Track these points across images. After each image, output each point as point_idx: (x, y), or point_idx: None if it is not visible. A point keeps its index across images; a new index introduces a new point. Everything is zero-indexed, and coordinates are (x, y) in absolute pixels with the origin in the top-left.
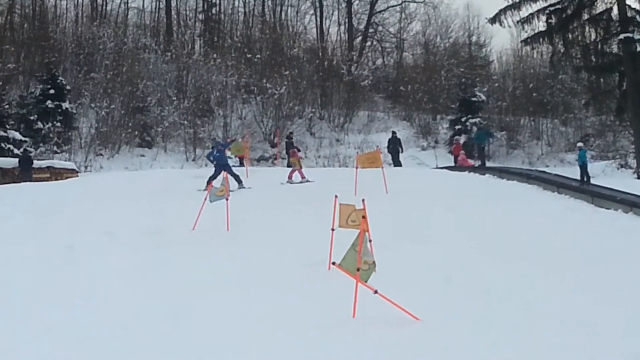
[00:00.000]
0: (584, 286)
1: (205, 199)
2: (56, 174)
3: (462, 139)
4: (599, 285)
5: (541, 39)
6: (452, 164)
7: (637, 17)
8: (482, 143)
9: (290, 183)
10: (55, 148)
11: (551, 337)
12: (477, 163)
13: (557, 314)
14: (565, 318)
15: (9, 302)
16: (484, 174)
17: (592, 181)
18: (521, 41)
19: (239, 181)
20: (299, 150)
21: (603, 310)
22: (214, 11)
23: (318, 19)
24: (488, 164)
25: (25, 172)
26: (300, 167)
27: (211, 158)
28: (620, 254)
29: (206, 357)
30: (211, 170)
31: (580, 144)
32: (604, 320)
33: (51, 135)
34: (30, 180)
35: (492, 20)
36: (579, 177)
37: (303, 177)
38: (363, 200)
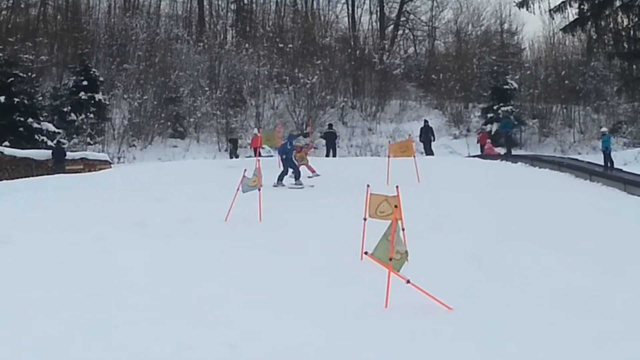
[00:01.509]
0: (617, 274)
1: (238, 189)
2: (89, 165)
3: (494, 127)
4: (630, 273)
5: (577, 26)
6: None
7: None
8: (508, 131)
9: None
10: (88, 139)
11: (583, 325)
12: (503, 151)
13: (589, 302)
14: (597, 306)
15: (44, 292)
16: (515, 162)
17: (625, 168)
18: (560, 29)
19: (298, 176)
20: (336, 138)
21: (634, 299)
22: (246, 1)
23: (350, 8)
24: (520, 152)
25: (58, 164)
26: (307, 161)
27: (283, 153)
28: None
29: (238, 343)
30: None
31: (604, 129)
32: (634, 307)
33: (84, 126)
34: (63, 172)
35: (520, 5)
36: (602, 163)
37: (313, 171)
38: (397, 187)
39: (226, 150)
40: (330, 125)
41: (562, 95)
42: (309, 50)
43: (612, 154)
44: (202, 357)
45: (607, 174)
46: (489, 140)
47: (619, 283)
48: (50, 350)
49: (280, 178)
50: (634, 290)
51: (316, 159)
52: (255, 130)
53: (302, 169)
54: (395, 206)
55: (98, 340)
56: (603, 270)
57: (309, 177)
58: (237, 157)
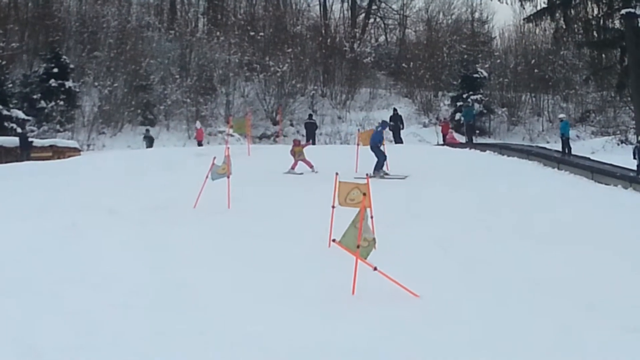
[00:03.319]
0: (583, 261)
1: (207, 177)
2: (59, 152)
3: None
4: (596, 260)
5: (543, 16)
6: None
7: None
8: (469, 120)
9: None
10: (58, 127)
11: (548, 311)
12: (465, 139)
13: (558, 288)
14: (563, 292)
15: (15, 279)
16: (484, 151)
17: (592, 157)
18: (523, 19)
19: (380, 167)
20: (316, 128)
21: (600, 285)
22: None
23: None
24: (488, 140)
25: (23, 152)
26: (305, 156)
27: (379, 142)
28: (619, 230)
29: (207, 330)
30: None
31: (562, 116)
32: (599, 294)
33: (54, 114)
34: (27, 160)
35: None
36: (561, 149)
37: (311, 167)
38: (367, 175)
39: (196, 138)
40: (310, 116)
41: (532, 84)
42: (280, 39)
43: (581, 142)
44: (171, 343)
45: (575, 162)
46: (451, 130)
47: (585, 269)
48: (22, 336)
49: (377, 167)
50: (599, 277)
51: (285, 147)
52: (197, 124)
53: (300, 165)
54: (364, 194)
55: (70, 326)
56: (569, 256)
57: (298, 173)
58: None
